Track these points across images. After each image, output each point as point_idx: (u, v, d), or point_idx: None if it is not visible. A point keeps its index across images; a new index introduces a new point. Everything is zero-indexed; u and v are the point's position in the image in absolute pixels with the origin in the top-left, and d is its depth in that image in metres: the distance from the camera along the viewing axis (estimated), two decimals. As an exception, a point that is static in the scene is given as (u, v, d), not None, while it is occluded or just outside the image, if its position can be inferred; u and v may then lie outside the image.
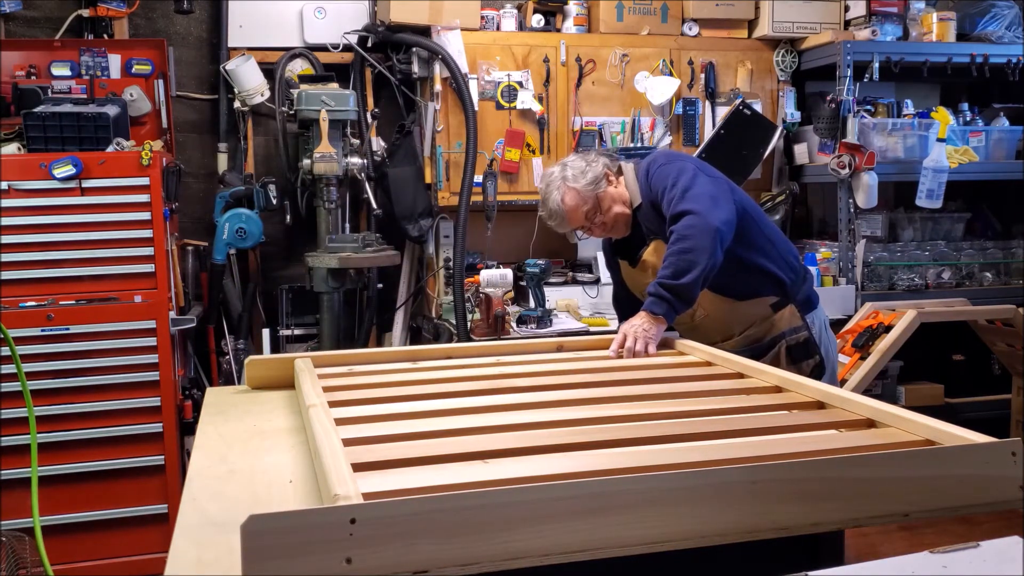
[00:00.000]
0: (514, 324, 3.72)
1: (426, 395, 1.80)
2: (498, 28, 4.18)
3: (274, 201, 4.02)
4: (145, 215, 3.36)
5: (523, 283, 3.87)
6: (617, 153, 4.19)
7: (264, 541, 1.00)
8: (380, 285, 4.23)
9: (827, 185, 4.41)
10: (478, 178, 3.94)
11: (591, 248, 4.38)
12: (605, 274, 4.29)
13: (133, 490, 3.39)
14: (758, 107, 4.37)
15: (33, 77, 3.82)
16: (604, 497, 1.12)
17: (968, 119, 4.53)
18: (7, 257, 3.24)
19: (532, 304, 3.75)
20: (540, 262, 3.72)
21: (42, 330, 3.27)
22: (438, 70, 4.00)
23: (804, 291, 2.66)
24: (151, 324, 3.38)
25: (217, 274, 4.02)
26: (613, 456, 1.37)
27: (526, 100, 4.10)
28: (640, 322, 2.33)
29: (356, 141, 4.08)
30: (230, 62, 4.04)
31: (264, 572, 1.00)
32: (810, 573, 0.96)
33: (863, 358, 3.70)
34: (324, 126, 3.75)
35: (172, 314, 3.45)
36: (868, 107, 4.36)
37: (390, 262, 3.95)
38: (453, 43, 3.99)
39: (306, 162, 3.81)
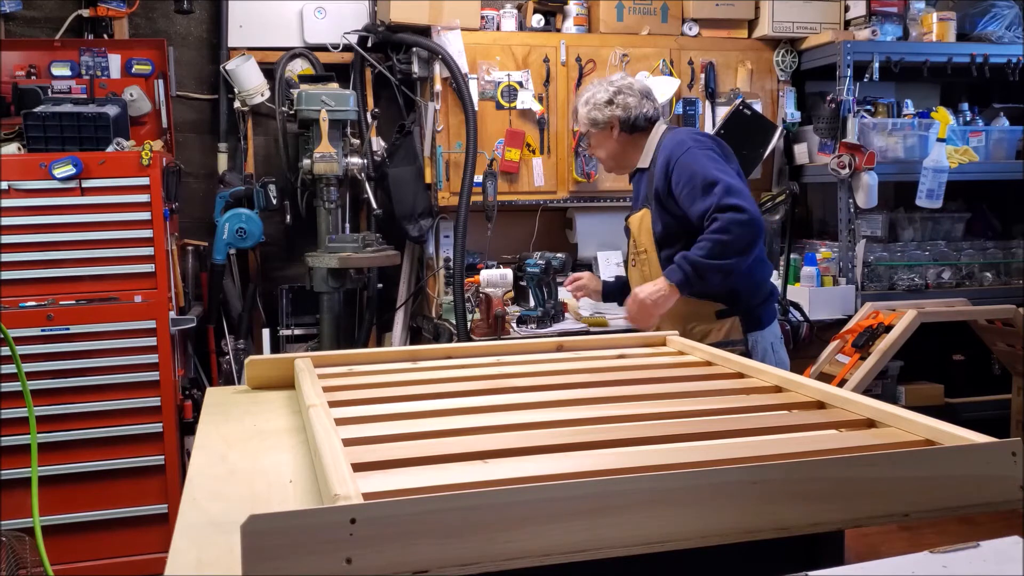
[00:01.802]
0: (514, 324, 3.71)
1: (426, 395, 1.79)
2: (498, 28, 4.19)
3: (274, 201, 4.02)
4: (145, 215, 3.37)
5: (523, 283, 3.87)
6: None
7: (264, 541, 1.00)
8: (380, 285, 4.23)
9: (827, 185, 4.42)
10: (478, 178, 3.94)
11: (591, 248, 4.38)
12: (605, 273, 4.31)
13: (133, 490, 3.39)
14: (758, 107, 4.37)
15: (33, 77, 3.82)
16: (604, 497, 1.12)
17: (968, 119, 4.53)
18: (7, 257, 3.24)
19: (532, 304, 3.75)
20: (540, 261, 3.71)
21: (42, 330, 3.27)
22: (438, 70, 4.00)
23: (760, 309, 2.72)
24: (151, 324, 3.38)
25: (217, 274, 4.02)
26: (613, 456, 1.37)
27: (526, 100, 4.10)
28: (654, 288, 2.57)
29: (356, 141, 4.08)
30: (230, 62, 4.05)
31: (264, 572, 1.00)
32: (810, 573, 0.96)
33: (863, 358, 3.70)
34: (324, 126, 3.75)
35: (172, 314, 3.45)
36: (868, 107, 4.36)
37: (390, 262, 3.95)
38: (453, 43, 3.99)
39: (306, 162, 3.81)
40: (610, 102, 2.81)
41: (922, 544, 1.02)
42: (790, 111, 4.42)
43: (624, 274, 3.41)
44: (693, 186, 2.58)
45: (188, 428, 3.49)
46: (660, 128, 2.82)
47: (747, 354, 2.64)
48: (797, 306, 3.99)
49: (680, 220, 2.67)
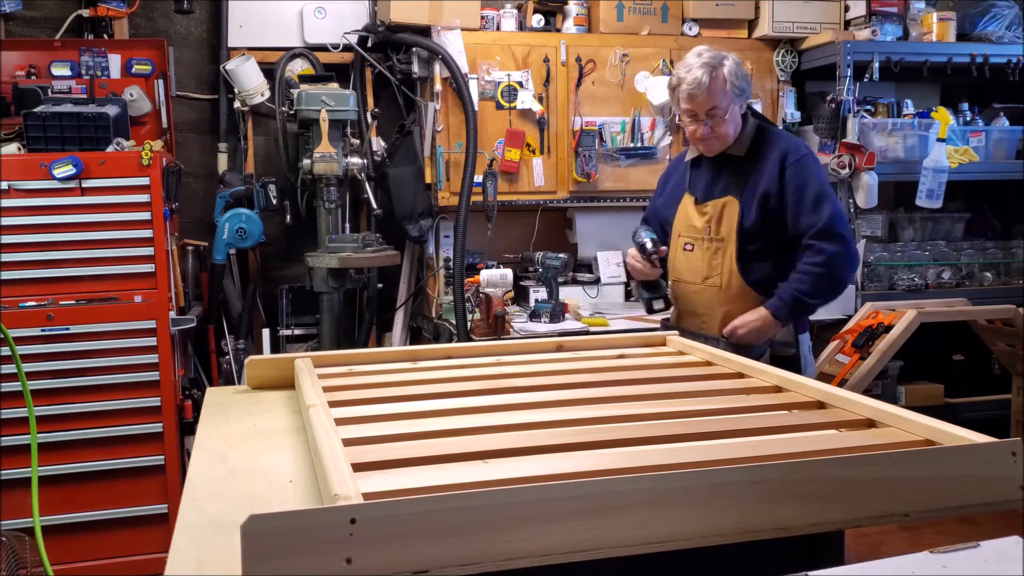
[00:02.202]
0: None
1: (426, 395, 1.79)
2: (498, 28, 4.19)
3: (274, 201, 4.02)
4: (145, 215, 3.36)
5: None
6: (616, 153, 4.20)
7: (264, 541, 1.00)
8: (380, 285, 4.23)
9: (827, 185, 4.41)
10: (478, 178, 3.94)
11: (591, 248, 4.38)
12: (605, 274, 4.32)
13: (133, 490, 3.39)
14: (758, 107, 4.36)
15: (33, 77, 3.82)
16: (604, 497, 1.12)
17: (968, 119, 4.53)
18: (7, 257, 3.24)
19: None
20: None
21: (42, 330, 3.27)
22: (438, 70, 4.00)
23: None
24: (151, 324, 3.38)
25: (217, 274, 4.02)
26: (613, 456, 1.37)
27: (526, 100, 4.10)
28: (758, 321, 2.54)
29: (356, 141, 4.08)
30: (230, 62, 4.04)
31: (264, 572, 1.00)
32: (810, 573, 0.96)
33: (863, 358, 3.69)
34: (324, 126, 3.75)
35: (172, 314, 3.45)
36: (868, 107, 4.36)
37: (390, 262, 3.95)
38: (453, 43, 3.99)
39: (306, 162, 3.81)
40: (746, 77, 2.71)
41: (922, 544, 1.02)
42: (790, 111, 4.42)
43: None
44: (803, 196, 2.60)
45: (188, 428, 3.49)
46: (751, 120, 2.77)
47: (799, 360, 2.66)
48: (797, 306, 3.99)
49: (776, 220, 2.65)
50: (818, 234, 2.57)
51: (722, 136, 2.68)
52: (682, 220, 2.82)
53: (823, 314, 4.03)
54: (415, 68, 4.07)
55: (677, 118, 2.82)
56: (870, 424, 1.56)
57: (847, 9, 4.37)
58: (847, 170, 4.07)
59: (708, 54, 2.65)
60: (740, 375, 1.99)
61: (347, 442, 1.42)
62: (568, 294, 4.13)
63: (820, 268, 2.55)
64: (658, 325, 3.14)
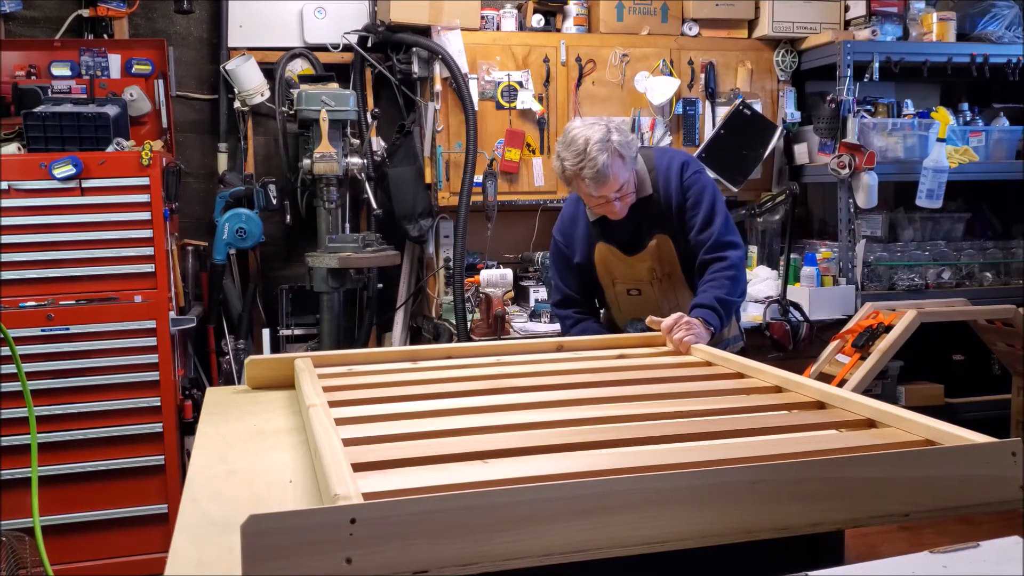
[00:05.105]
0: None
1: (426, 395, 1.79)
2: (498, 28, 4.19)
3: (274, 201, 4.02)
4: (145, 215, 3.37)
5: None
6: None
7: (264, 541, 1.00)
8: (380, 285, 4.23)
9: (827, 185, 4.41)
10: (478, 178, 3.95)
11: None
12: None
13: (133, 490, 3.39)
14: (758, 107, 4.37)
15: (33, 77, 3.82)
16: (604, 497, 1.12)
17: (968, 119, 4.53)
18: (7, 257, 3.24)
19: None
20: None
21: (42, 330, 3.27)
22: (438, 70, 4.00)
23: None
24: (151, 324, 3.38)
25: (217, 274, 4.02)
26: (613, 456, 1.37)
27: (526, 100, 4.10)
28: (696, 322, 2.38)
29: (356, 141, 4.08)
30: (230, 62, 4.04)
31: (264, 572, 1.00)
32: (810, 573, 0.96)
33: (863, 358, 3.69)
34: (324, 126, 3.75)
35: (172, 314, 3.45)
36: (868, 107, 4.36)
37: (390, 262, 3.95)
38: (453, 43, 3.99)
39: (306, 162, 3.81)
40: (629, 138, 2.57)
41: (922, 544, 1.02)
42: (790, 111, 4.42)
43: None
44: (698, 210, 2.61)
45: (188, 428, 3.49)
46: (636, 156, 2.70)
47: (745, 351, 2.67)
48: (797, 306, 4.00)
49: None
50: (721, 245, 2.59)
51: (630, 202, 2.60)
52: (613, 270, 2.72)
53: (823, 314, 4.05)
54: (415, 68, 4.07)
55: (574, 186, 2.61)
56: (870, 424, 1.56)
57: (847, 9, 4.37)
58: (847, 170, 4.07)
59: (596, 133, 2.47)
60: (740, 375, 1.99)
61: (347, 442, 1.42)
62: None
63: (730, 270, 2.57)
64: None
